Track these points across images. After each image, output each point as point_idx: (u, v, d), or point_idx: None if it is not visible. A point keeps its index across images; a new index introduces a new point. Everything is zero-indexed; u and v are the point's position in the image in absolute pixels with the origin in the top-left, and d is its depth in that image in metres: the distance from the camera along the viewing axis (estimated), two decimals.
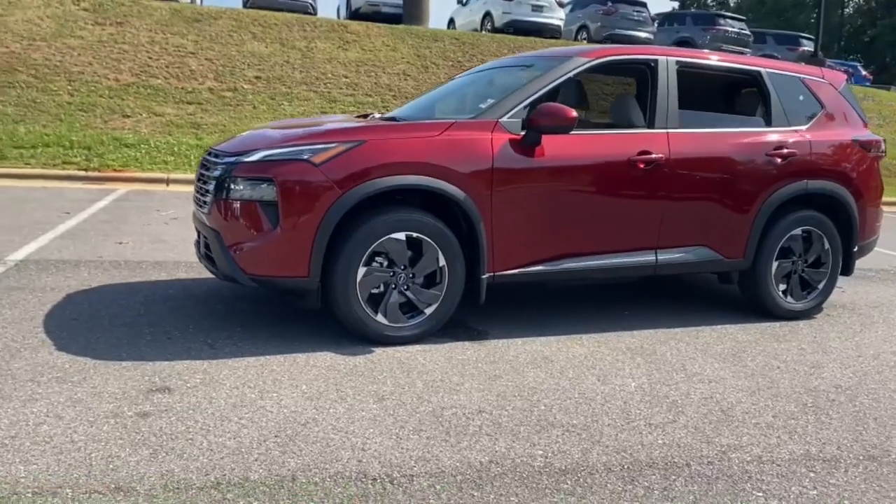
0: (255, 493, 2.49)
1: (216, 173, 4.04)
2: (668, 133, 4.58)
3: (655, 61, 4.72)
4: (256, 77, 14.29)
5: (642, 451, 2.96)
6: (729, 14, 24.41)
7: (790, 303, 5.05)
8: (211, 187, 4.07)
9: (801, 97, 5.09)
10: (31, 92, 12.50)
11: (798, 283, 5.07)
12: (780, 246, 4.94)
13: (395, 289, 4.04)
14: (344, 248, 3.89)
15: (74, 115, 12.14)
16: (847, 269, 5.26)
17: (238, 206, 3.91)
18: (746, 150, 4.77)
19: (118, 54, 14.04)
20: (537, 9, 19.15)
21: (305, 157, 3.84)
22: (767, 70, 5.05)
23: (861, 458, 3.02)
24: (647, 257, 4.59)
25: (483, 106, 4.41)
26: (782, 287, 5.03)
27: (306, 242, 3.82)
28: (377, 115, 5.02)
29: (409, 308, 4.10)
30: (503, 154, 4.13)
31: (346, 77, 14.90)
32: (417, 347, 4.04)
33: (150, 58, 14.10)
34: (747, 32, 21.86)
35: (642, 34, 20.32)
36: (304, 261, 3.84)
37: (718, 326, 4.79)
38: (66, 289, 4.87)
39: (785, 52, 23.42)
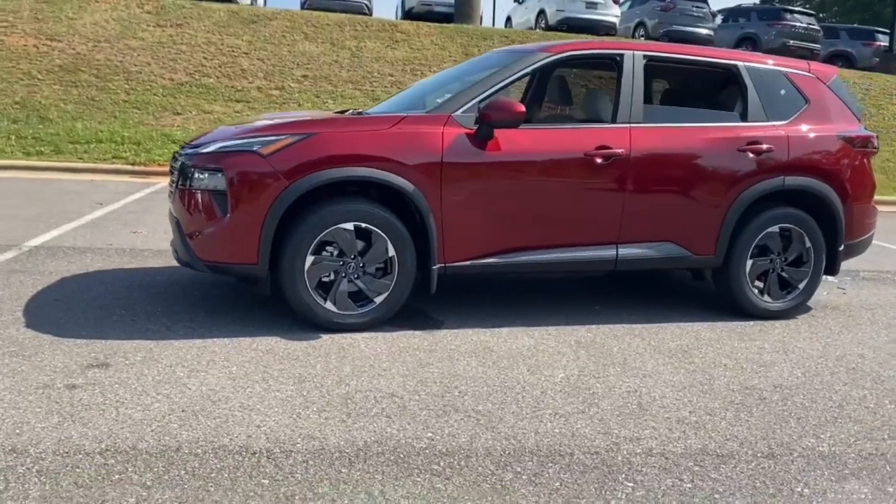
0: (135, 460, 2.67)
1: (178, 164, 4.26)
2: (630, 128, 4.56)
3: (621, 55, 4.70)
4: (304, 76, 14.69)
5: (532, 438, 3.01)
6: (797, 9, 23.58)
7: (767, 302, 4.94)
8: (175, 178, 4.30)
9: (782, 91, 4.97)
10: (91, 90, 13.20)
11: (777, 282, 4.96)
12: (755, 243, 4.85)
13: (344, 277, 4.17)
14: (292, 236, 4.05)
15: (128, 112, 12.77)
16: (832, 269, 5.11)
17: (194, 195, 4.12)
18: (716, 146, 4.70)
19: (175, 54, 14.66)
20: (591, 6, 18.96)
21: (254, 148, 4.02)
22: (745, 64, 4.95)
23: (760, 455, 2.99)
24: (607, 252, 4.59)
25: (440, 101, 4.49)
26: (759, 285, 4.93)
27: (254, 230, 4.00)
28: (353, 112, 5.16)
29: (360, 297, 4.23)
30: (454, 147, 4.21)
31: (392, 76, 15.14)
32: (365, 335, 4.17)
33: (204, 58, 14.67)
34: (816, 27, 21.05)
35: (702, 31, 19.86)
36: (253, 248, 4.02)
37: (687, 324, 4.74)
38: (63, 273, 5.20)
39: (860, 48, 22.46)
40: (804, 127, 4.93)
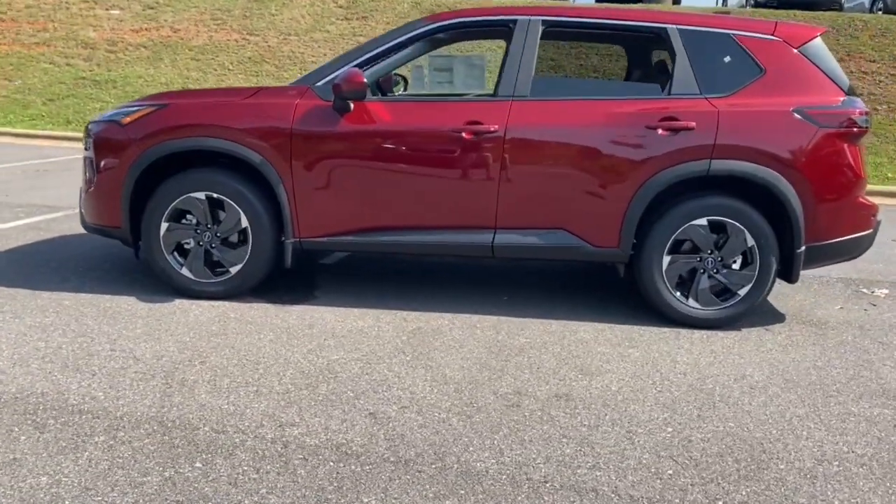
0: None
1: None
2: (511, 102, 4.14)
3: (514, 22, 4.27)
4: None
5: (172, 410, 2.94)
6: None
7: (693, 308, 4.22)
8: None
9: (727, 59, 4.18)
10: (266, 80, 14.52)
11: (707, 286, 4.20)
12: (672, 237, 4.15)
13: (201, 246, 4.31)
14: (148, 203, 4.27)
15: None
16: (789, 275, 4.21)
17: (83, 163, 4.52)
18: (618, 123, 4.09)
19: (351, 45, 15.60)
20: None
21: (118, 118, 4.29)
22: (678, 27, 4.22)
23: (329, 447, 2.64)
24: (482, 237, 4.22)
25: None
26: (680, 287, 4.22)
27: (116, 196, 4.28)
28: None
29: (217, 265, 4.34)
30: (306, 119, 4.15)
31: (552, 60, 14.76)
32: (214, 303, 4.27)
33: None
34: None
35: None
36: (116, 213, 4.30)
37: (588, 323, 4.21)
38: (57, 231, 5.89)
39: None
40: (749, 101, 4.10)
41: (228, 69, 14.87)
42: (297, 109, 4.16)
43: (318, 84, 4.24)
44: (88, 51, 15.76)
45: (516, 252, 4.27)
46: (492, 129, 4.08)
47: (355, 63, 4.23)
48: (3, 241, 5.46)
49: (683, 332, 4.14)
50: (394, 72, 5.76)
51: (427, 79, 5.35)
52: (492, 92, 4.27)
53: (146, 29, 16.38)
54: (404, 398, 3.14)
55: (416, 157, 4.16)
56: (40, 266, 4.87)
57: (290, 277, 4.73)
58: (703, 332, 4.16)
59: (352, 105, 4.12)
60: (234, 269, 4.31)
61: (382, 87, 5.39)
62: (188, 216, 4.30)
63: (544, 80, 4.25)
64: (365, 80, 4.02)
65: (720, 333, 4.14)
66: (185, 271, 4.32)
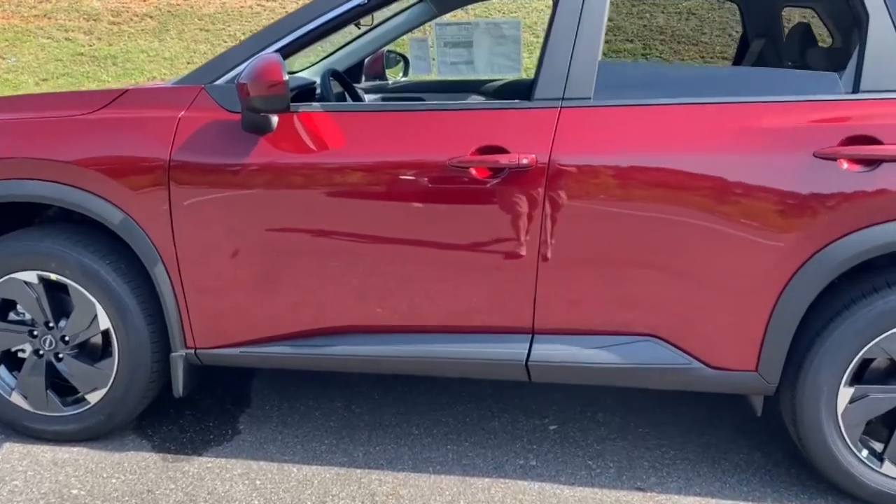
0: None
1: None
2: (559, 111, 2.26)
3: None
4: None
5: None
6: None
7: (890, 476, 2.32)
8: None
9: None
10: None
11: None
12: (858, 355, 2.25)
13: (41, 356, 2.57)
14: None
15: None
16: None
17: None
18: (758, 147, 2.19)
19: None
20: None
21: None
22: None
23: None
24: (508, 348, 2.38)
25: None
26: (872, 441, 2.34)
27: None
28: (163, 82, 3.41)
29: (70, 388, 2.61)
30: (195, 145, 2.36)
31: (610, 20, 12.60)
32: (59, 454, 2.55)
33: None
34: None
35: None
36: None
37: (696, 500, 2.36)
38: None
39: None
40: None
41: (239, 39, 13.11)
42: (180, 128, 2.36)
43: (217, 83, 2.42)
44: (90, 23, 14.18)
45: (569, 374, 2.42)
46: (522, 160, 2.22)
47: (277, 46, 2.39)
48: None
49: None
50: (387, 49, 3.92)
51: (434, 59, 3.48)
52: (524, 90, 2.41)
53: None
54: None
55: (391, 211, 2.33)
56: None
57: (213, 380, 2.99)
58: None
59: (273, 120, 2.29)
60: (93, 397, 2.57)
61: (370, 71, 3.55)
62: (18, 309, 2.57)
63: (617, 69, 2.37)
64: (285, 77, 2.17)
65: None
66: (16, 397, 2.59)
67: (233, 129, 2.34)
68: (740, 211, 2.18)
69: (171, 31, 13.64)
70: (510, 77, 3.81)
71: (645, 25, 11.42)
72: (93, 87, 12.04)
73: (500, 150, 2.25)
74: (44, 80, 12.77)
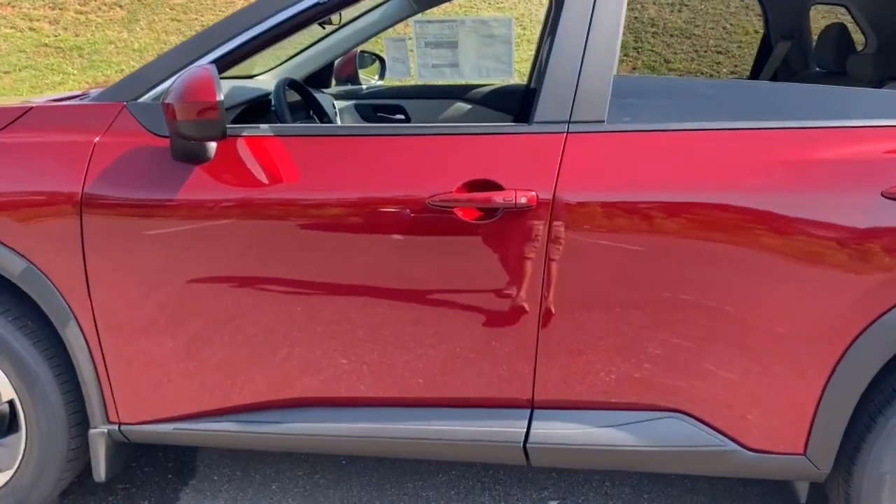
0: None
1: None
2: (564, 136, 1.82)
3: None
4: None
5: None
6: None
7: None
8: None
9: None
10: None
11: None
12: None
13: None
14: None
15: None
16: None
17: None
18: (808, 184, 1.77)
19: None
20: None
21: None
22: None
23: None
24: (503, 424, 1.95)
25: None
26: None
27: None
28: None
29: None
30: (115, 176, 1.90)
31: None
32: None
33: None
34: None
35: None
36: None
37: None
38: None
39: None
40: None
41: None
42: (95, 156, 1.91)
43: (142, 100, 1.95)
44: (56, 12, 13.54)
45: (576, 458, 1.99)
46: (520, 198, 1.77)
47: (214, 55, 1.93)
48: None
49: None
50: (360, 49, 3.47)
51: (414, 61, 3.03)
52: (517, 97, 1.97)
53: None
54: None
55: (357, 260, 1.88)
56: None
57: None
58: None
59: (210, 147, 1.83)
60: None
61: (341, 74, 3.14)
62: None
63: (637, 85, 1.90)
64: (220, 96, 1.71)
65: None
66: None
67: (162, 157, 1.89)
68: (792, 263, 1.75)
69: (141, 21, 13.05)
70: (500, 82, 3.37)
71: (636, 17, 10.97)
72: (56, 79, 11.46)
73: (493, 186, 1.81)
74: (6, 72, 12.15)
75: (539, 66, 1.87)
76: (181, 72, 1.85)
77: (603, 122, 1.82)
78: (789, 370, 1.82)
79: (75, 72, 11.64)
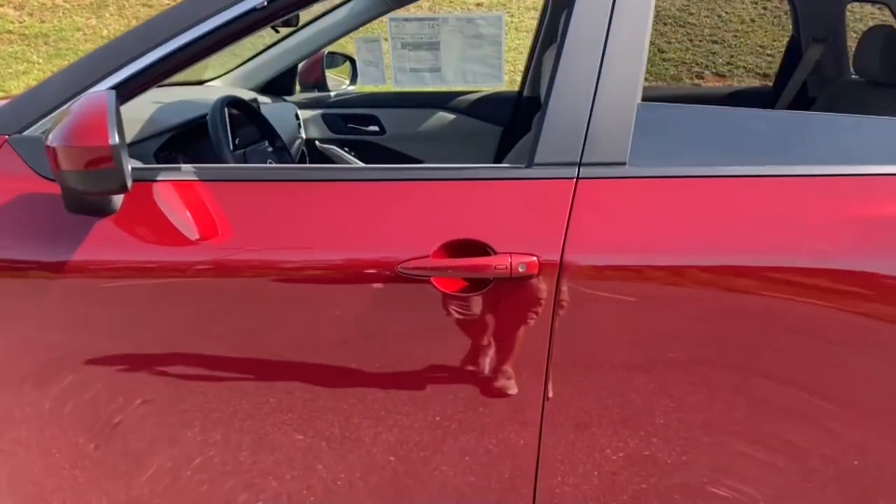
0: None
1: None
2: (576, 181, 1.40)
3: None
4: None
5: None
6: None
7: None
8: None
9: None
10: None
11: None
12: None
13: None
14: None
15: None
16: None
17: None
18: None
19: None
20: None
21: None
22: None
23: None
24: None
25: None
26: None
27: None
28: None
29: None
30: None
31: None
32: None
33: None
34: None
35: None
36: None
37: None
38: None
39: None
40: None
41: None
42: None
43: (28, 133, 1.51)
44: None
45: None
46: (518, 265, 1.35)
47: (117, 78, 1.48)
48: None
49: None
50: (328, 50, 3.04)
51: (389, 64, 2.60)
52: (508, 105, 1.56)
53: None
54: None
55: (308, 340, 1.46)
56: None
57: None
58: None
59: (114, 200, 1.40)
60: None
61: (306, 79, 2.74)
62: None
63: (667, 117, 1.44)
64: (115, 139, 1.26)
65: None
66: None
67: (54, 206, 1.45)
68: (883, 343, 1.35)
69: (111, 7, 12.48)
70: (489, 89, 2.94)
71: None
72: (20, 68, 10.91)
73: (481, 248, 1.38)
74: None
75: (523, 78, 1.45)
76: (77, 98, 1.42)
77: (624, 164, 1.40)
78: (878, 481, 1.43)
79: (40, 61, 11.07)
